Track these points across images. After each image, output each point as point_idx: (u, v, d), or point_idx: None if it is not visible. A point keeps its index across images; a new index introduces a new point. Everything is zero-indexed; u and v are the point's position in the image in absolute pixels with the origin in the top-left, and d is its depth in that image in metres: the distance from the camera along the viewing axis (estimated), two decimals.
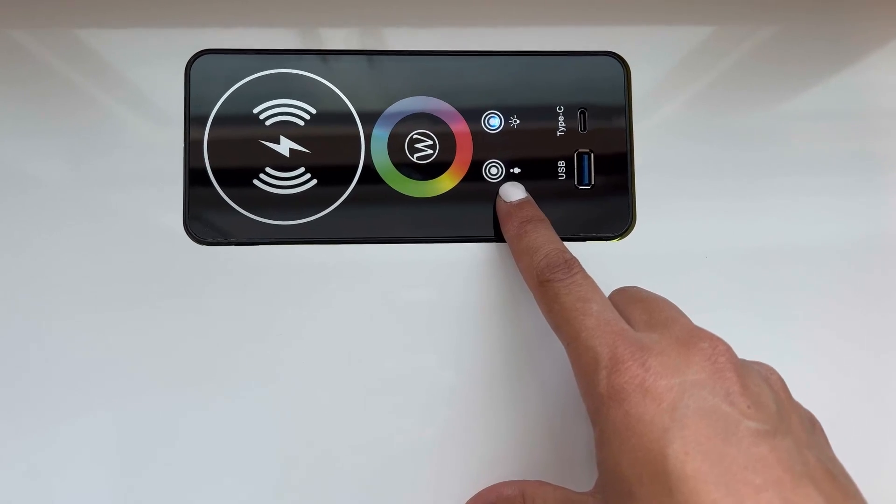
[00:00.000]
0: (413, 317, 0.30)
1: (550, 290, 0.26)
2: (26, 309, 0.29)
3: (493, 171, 0.30)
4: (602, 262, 0.30)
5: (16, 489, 0.28)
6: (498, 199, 0.30)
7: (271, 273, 0.30)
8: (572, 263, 0.26)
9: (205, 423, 0.29)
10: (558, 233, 0.29)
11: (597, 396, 0.23)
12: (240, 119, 0.30)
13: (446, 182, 0.30)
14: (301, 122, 0.30)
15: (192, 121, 0.30)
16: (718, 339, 0.23)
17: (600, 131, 0.31)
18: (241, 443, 0.29)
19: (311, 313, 0.30)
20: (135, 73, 0.30)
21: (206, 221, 0.29)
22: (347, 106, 0.30)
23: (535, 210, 0.29)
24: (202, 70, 0.30)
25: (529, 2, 0.32)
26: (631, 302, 0.26)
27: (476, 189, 0.30)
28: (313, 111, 0.30)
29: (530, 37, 0.31)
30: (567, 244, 0.30)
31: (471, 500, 0.29)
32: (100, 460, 0.29)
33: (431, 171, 0.30)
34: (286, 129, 0.30)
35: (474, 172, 0.30)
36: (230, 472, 0.29)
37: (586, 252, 0.30)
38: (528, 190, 0.30)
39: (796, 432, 0.22)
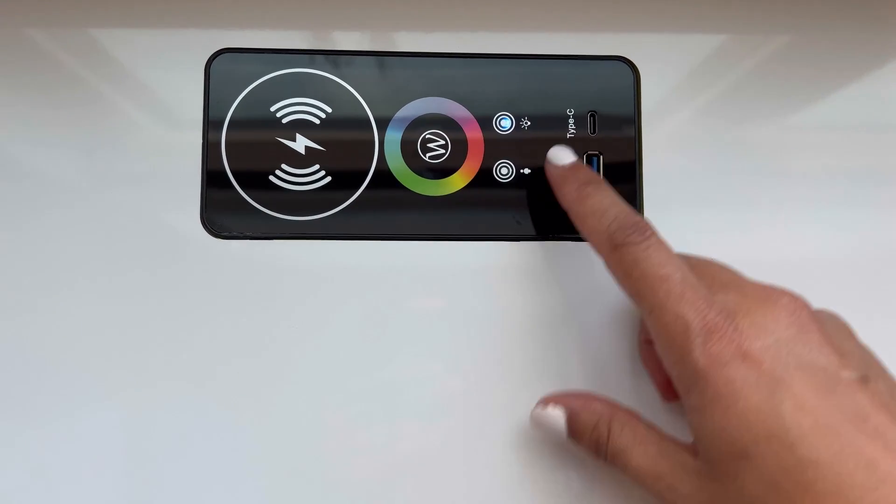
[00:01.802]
0: (425, 315, 0.30)
1: (628, 254, 0.25)
2: (42, 302, 0.30)
3: (504, 171, 0.31)
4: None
5: (33, 486, 0.29)
6: (548, 166, 0.29)
7: (285, 268, 0.30)
8: (645, 225, 0.25)
9: (215, 416, 0.30)
10: (567, 233, 0.29)
11: (691, 365, 0.22)
12: (257, 117, 0.31)
13: (458, 181, 0.31)
14: (317, 121, 0.31)
15: (211, 117, 0.31)
16: (793, 293, 0.24)
17: (610, 134, 0.31)
18: (245, 437, 0.30)
19: (322, 308, 0.30)
20: (155, 71, 0.31)
21: (222, 215, 0.30)
22: (362, 105, 0.31)
23: (591, 172, 0.28)
24: (221, 68, 0.31)
25: (542, 7, 0.32)
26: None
27: (487, 188, 0.31)
28: (329, 110, 0.31)
29: (542, 41, 0.32)
30: (574, 244, 0.30)
31: (556, 395, 0.28)
32: (118, 449, 0.29)
33: (443, 170, 0.31)
34: (302, 127, 0.31)
35: (485, 172, 0.31)
36: (235, 470, 0.29)
37: (594, 256, 0.31)
38: (538, 191, 0.31)
39: (883, 376, 0.23)
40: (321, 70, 0.31)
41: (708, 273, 0.25)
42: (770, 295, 0.23)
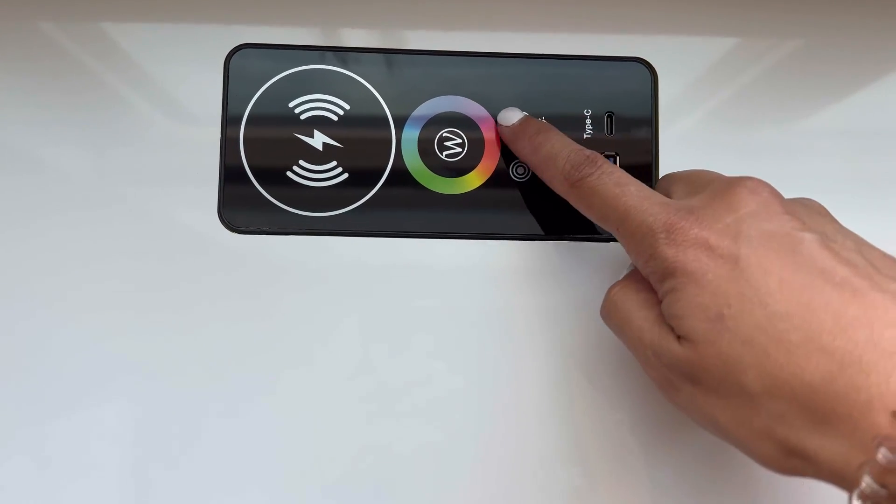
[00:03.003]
0: (438, 313, 0.31)
1: (584, 186, 0.26)
2: (59, 298, 0.30)
3: (521, 170, 0.31)
4: (624, 263, 0.30)
5: (61, 480, 0.30)
6: (500, 129, 0.31)
7: (301, 263, 0.30)
8: (595, 157, 0.27)
9: (227, 410, 0.30)
10: (584, 232, 0.30)
11: (660, 258, 0.24)
12: (275, 112, 0.31)
13: (474, 180, 0.31)
14: (335, 118, 0.31)
15: (230, 113, 0.31)
16: (758, 178, 0.25)
17: (626, 134, 0.32)
18: (257, 430, 0.30)
19: (336, 304, 0.30)
20: (175, 66, 0.31)
21: (239, 210, 0.30)
22: (380, 103, 0.31)
23: (539, 122, 0.30)
24: (241, 64, 0.31)
25: (560, 8, 0.32)
26: (672, 182, 0.28)
27: (503, 188, 0.31)
28: (347, 107, 0.31)
29: (561, 42, 0.32)
30: (591, 244, 0.30)
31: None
32: (132, 441, 0.30)
33: (460, 169, 0.31)
34: (320, 123, 0.31)
35: (501, 172, 0.31)
36: (244, 463, 0.30)
37: (609, 253, 0.31)
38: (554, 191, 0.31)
39: (852, 237, 0.24)
40: (340, 67, 0.31)
41: (688, 181, 0.27)
42: (733, 182, 0.25)
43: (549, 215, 0.31)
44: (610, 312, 0.27)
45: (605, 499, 0.30)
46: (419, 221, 0.31)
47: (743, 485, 0.30)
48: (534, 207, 0.31)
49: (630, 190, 0.25)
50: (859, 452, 0.20)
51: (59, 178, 0.30)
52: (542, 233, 0.31)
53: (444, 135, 0.31)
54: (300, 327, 0.30)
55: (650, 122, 0.32)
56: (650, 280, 0.25)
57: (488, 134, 0.31)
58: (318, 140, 0.31)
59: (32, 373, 0.30)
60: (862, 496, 0.19)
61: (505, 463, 0.30)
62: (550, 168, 0.28)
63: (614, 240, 0.31)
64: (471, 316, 0.31)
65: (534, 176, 0.31)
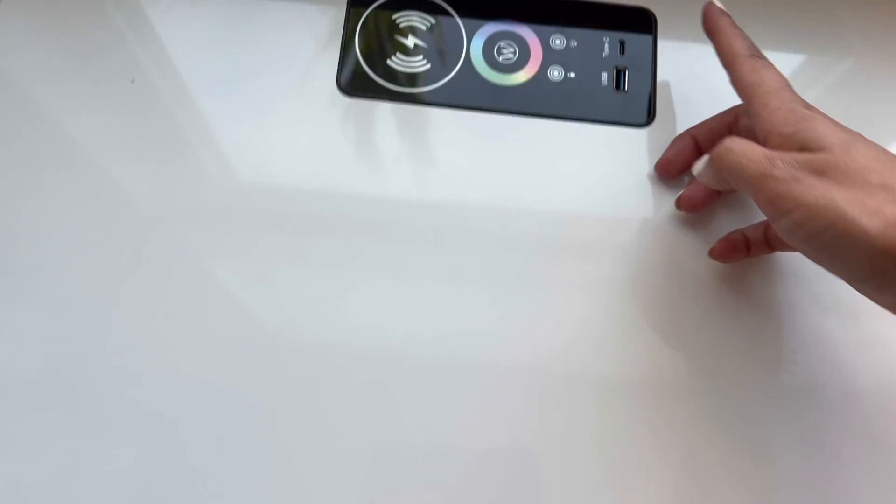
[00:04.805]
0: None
1: (758, 63, 0.33)
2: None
3: (556, 73, 0.42)
4: (630, 145, 0.41)
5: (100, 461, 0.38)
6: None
7: (394, 125, 0.41)
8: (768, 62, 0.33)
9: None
10: (601, 119, 0.41)
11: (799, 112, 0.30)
12: (382, 21, 0.43)
13: (521, 77, 0.42)
14: (424, 27, 0.43)
15: (351, 15, 0.43)
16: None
17: (634, 54, 0.43)
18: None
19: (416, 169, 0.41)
20: None
21: (352, 82, 0.42)
22: (456, 21, 0.43)
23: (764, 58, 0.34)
24: None
25: None
26: None
27: (542, 83, 0.42)
28: (433, 21, 0.43)
29: None
30: (606, 126, 0.41)
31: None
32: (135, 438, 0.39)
33: (511, 68, 0.43)
34: (413, 30, 0.43)
35: (542, 73, 0.42)
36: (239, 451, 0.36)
37: (620, 136, 0.41)
38: (578, 89, 0.42)
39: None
40: None
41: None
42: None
43: (574, 104, 0.42)
44: (724, 153, 0.31)
45: None
46: (480, 100, 0.42)
47: None
48: (563, 98, 0.42)
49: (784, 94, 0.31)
50: None
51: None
52: (571, 115, 0.42)
53: (501, 45, 0.43)
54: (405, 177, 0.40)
55: (651, 52, 0.43)
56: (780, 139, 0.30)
57: (533, 47, 0.43)
58: (411, 41, 0.43)
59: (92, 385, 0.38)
60: None
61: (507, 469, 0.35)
62: (738, 41, 0.34)
63: (621, 125, 0.41)
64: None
65: (566, 78, 0.42)
